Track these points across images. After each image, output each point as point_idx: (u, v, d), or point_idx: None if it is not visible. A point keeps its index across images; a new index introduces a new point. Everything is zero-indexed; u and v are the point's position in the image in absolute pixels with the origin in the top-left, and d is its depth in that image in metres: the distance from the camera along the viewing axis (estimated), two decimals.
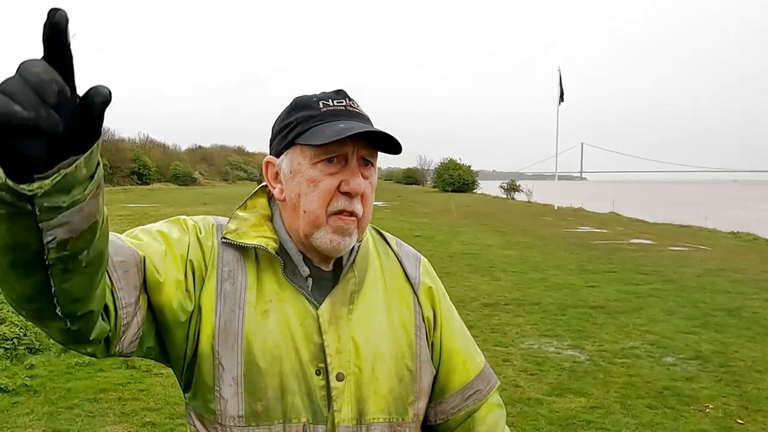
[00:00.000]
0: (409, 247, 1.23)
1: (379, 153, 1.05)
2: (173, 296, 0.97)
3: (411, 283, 1.14)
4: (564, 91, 32.63)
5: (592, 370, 5.19)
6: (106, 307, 0.88)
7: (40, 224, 0.65)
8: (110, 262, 0.88)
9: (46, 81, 0.58)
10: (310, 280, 1.06)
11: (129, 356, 0.98)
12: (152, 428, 3.88)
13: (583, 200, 34.55)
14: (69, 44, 0.60)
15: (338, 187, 1.00)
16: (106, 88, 0.62)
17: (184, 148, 74.52)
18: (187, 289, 0.99)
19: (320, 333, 1.02)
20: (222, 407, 0.99)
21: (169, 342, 1.01)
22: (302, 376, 1.00)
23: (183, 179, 61.46)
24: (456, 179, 53.68)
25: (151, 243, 0.99)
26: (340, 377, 1.01)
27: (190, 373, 1.03)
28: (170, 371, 4.98)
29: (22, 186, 0.62)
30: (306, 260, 1.06)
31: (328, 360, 1.01)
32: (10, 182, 0.61)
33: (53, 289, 0.73)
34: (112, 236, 0.92)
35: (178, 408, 4.17)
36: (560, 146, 35.21)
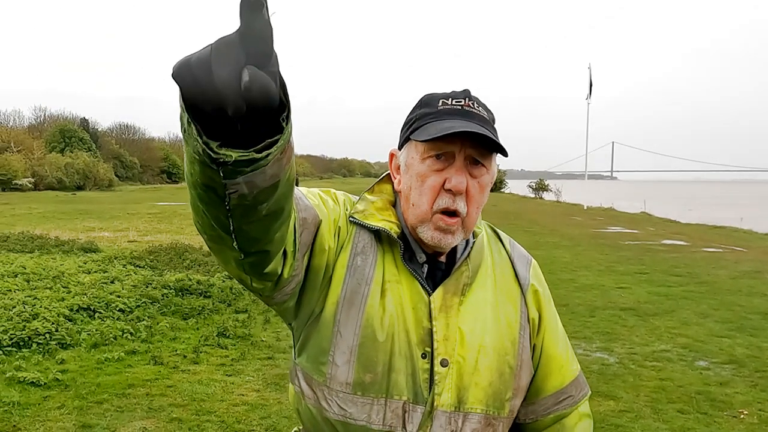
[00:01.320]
0: (522, 248, 1.24)
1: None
2: (327, 260, 1.03)
3: (520, 284, 1.16)
4: (592, 88, 32.09)
5: (622, 373, 5.08)
6: (285, 253, 0.93)
7: (223, 180, 0.71)
8: (298, 216, 0.95)
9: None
10: (425, 267, 1.09)
11: (277, 304, 1.04)
12: (179, 424, 3.92)
13: (614, 200, 33.97)
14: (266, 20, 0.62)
15: (443, 184, 1.03)
16: (264, 76, 0.63)
17: None
18: (334, 256, 1.05)
19: (430, 319, 1.05)
20: (332, 372, 1.04)
21: (306, 300, 1.05)
22: (409, 356, 1.03)
23: None
24: None
25: (321, 208, 1.04)
26: (444, 363, 1.04)
27: (307, 333, 1.07)
28: (197, 368, 5.04)
29: (211, 145, 0.67)
30: (423, 248, 1.09)
31: (435, 345, 1.04)
32: (203, 137, 0.67)
33: (232, 227, 0.80)
34: (299, 192, 1.00)
35: (204, 404, 4.22)
36: (590, 145, 34.71)
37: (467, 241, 1.12)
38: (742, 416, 4.23)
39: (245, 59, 0.63)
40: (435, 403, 1.03)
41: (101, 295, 6.54)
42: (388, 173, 1.15)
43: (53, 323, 5.50)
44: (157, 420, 3.98)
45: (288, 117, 0.71)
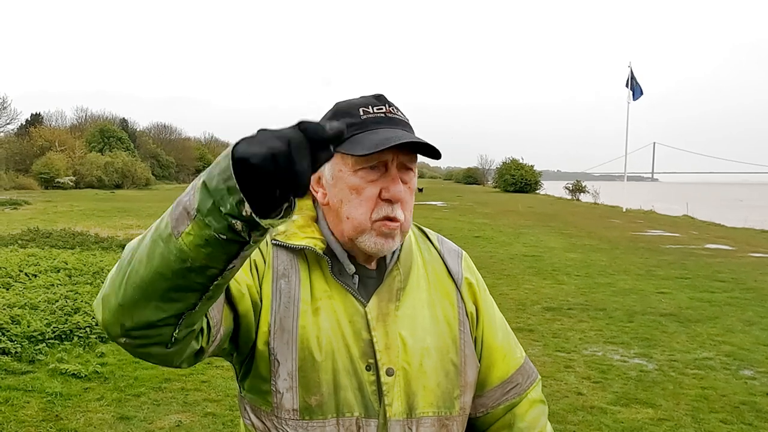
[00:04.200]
0: (451, 242, 1.24)
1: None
2: (251, 301, 1.02)
3: (453, 279, 1.16)
4: (639, 87, 31.23)
5: (661, 381, 4.93)
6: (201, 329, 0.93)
7: (243, 251, 0.75)
8: None
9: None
10: (356, 278, 1.08)
11: (208, 356, 1.03)
12: (213, 418, 3.98)
13: (654, 202, 33.12)
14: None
15: (379, 194, 1.02)
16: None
17: None
18: (257, 291, 1.04)
19: (369, 330, 1.04)
20: (278, 400, 1.03)
21: (243, 339, 1.04)
22: (353, 371, 1.03)
23: None
24: (518, 179, 52.70)
25: None
26: (389, 372, 1.04)
27: (247, 367, 1.06)
28: (230, 364, 5.11)
29: (262, 220, 0.72)
30: (351, 259, 1.09)
31: (378, 356, 1.04)
32: (254, 216, 0.71)
33: (192, 312, 0.81)
34: None
35: (237, 400, 4.27)
36: (630, 146, 33.94)
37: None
38: None
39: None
40: (387, 414, 1.03)
41: None
42: None
43: (93, 318, 5.65)
44: (192, 414, 4.04)
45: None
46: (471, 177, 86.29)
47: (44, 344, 5.07)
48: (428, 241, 1.19)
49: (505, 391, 1.17)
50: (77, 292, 6.40)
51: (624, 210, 29.05)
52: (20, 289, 6.48)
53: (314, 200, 1.14)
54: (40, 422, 3.86)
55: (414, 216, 1.17)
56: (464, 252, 1.23)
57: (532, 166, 54.42)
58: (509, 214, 23.75)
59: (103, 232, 12.69)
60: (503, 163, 56.93)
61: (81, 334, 5.34)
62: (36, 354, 4.90)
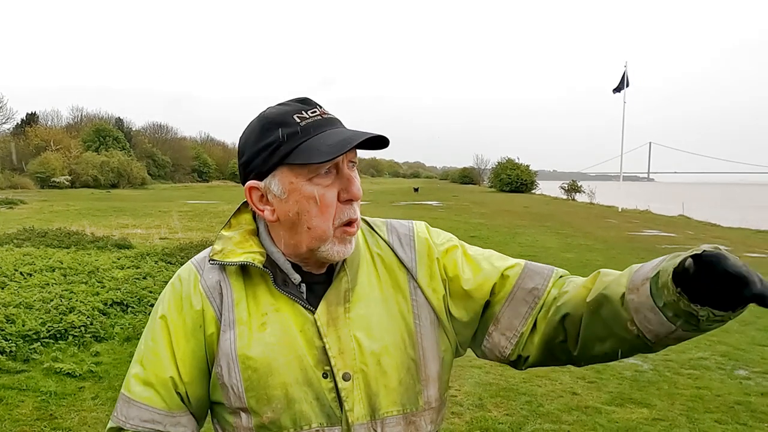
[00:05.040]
0: (401, 224, 1.18)
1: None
2: (206, 363, 1.06)
3: (407, 268, 1.11)
4: (622, 84, 31.44)
5: (656, 381, 4.94)
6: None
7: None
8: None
9: None
10: (303, 286, 1.06)
11: None
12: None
13: (650, 202, 33.22)
14: None
15: (338, 197, 1.01)
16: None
17: None
18: (207, 359, 1.05)
19: (320, 336, 1.02)
20: (235, 421, 1.05)
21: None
22: (308, 382, 1.01)
23: None
24: (514, 179, 52.82)
25: (164, 360, 1.04)
26: (346, 377, 1.02)
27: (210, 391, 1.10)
28: None
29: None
30: (296, 267, 1.06)
31: (332, 362, 1.01)
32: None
33: None
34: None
35: None
36: (626, 145, 34.07)
37: None
38: None
39: None
40: (350, 420, 1.01)
41: (134, 290, 6.68)
42: (245, 202, 1.09)
43: (88, 317, 5.63)
44: None
45: None
46: (467, 177, 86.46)
47: (39, 343, 5.05)
48: (376, 234, 1.15)
49: (525, 298, 1.09)
50: (72, 292, 6.38)
51: (620, 210, 29.14)
52: (15, 288, 6.46)
53: (254, 214, 1.10)
54: (34, 421, 3.84)
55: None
56: (417, 227, 1.16)
57: (527, 166, 54.55)
58: (505, 214, 23.79)
59: (98, 232, 12.64)
60: (499, 162, 57.07)
61: (76, 333, 5.32)
62: (31, 353, 4.88)
